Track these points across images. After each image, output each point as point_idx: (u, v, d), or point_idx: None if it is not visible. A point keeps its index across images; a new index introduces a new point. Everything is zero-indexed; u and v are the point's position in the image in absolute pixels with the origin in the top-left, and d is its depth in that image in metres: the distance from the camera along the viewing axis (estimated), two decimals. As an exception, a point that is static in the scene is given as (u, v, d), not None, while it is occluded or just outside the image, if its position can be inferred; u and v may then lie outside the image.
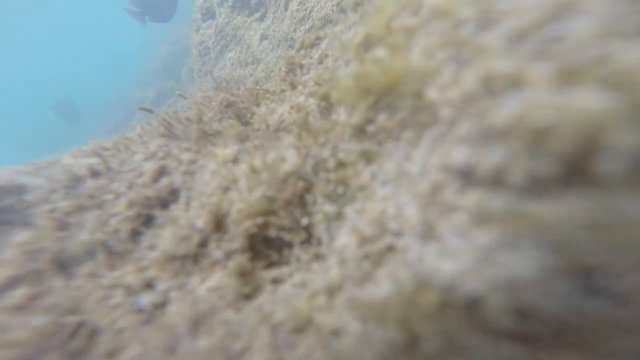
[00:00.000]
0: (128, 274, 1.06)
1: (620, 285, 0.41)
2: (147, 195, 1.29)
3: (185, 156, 1.37)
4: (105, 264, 1.14)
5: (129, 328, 0.93)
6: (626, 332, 0.41)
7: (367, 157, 0.83)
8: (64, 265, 1.17)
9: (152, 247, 1.13)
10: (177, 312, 0.85)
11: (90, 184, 1.50)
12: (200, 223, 0.98)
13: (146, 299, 0.96)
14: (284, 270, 0.83)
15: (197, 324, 0.78)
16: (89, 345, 0.95)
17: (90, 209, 1.38)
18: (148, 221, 1.26)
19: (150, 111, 1.62)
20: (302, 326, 0.66)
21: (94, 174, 1.54)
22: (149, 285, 1.00)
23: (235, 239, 0.91)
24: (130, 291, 1.01)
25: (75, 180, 1.52)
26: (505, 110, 0.52)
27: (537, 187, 0.47)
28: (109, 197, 1.39)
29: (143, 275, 1.03)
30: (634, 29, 0.44)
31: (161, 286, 0.97)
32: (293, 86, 1.31)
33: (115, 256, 1.17)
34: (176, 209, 1.21)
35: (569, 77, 0.46)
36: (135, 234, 1.23)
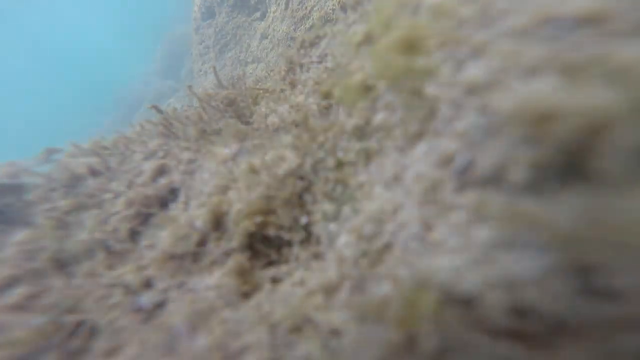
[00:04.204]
0: (127, 273, 1.06)
1: (618, 284, 0.41)
2: (146, 194, 1.29)
3: (185, 155, 1.36)
4: (104, 263, 1.14)
5: (128, 327, 0.93)
6: (624, 332, 0.41)
7: (366, 156, 0.83)
8: (63, 264, 1.17)
9: (151, 246, 1.13)
10: (176, 311, 0.85)
11: (90, 183, 1.50)
12: (199, 222, 0.98)
13: (146, 298, 0.96)
14: (282, 269, 0.83)
15: (196, 322, 0.78)
16: (88, 344, 0.95)
17: (89, 208, 1.38)
18: (147, 220, 1.26)
19: (159, 111, 1.62)
20: (301, 325, 0.66)
21: (94, 173, 1.54)
22: (148, 285, 1.00)
23: (235, 238, 0.91)
24: (129, 290, 1.01)
25: (75, 179, 1.52)
26: (506, 102, 0.52)
27: (536, 183, 0.47)
28: (108, 196, 1.39)
29: (142, 274, 1.03)
30: (634, 26, 0.44)
31: (160, 285, 0.97)
32: (293, 85, 1.31)
33: (114, 255, 1.17)
34: (175, 208, 1.20)
35: (571, 72, 0.46)
36: (134, 233, 1.23)
